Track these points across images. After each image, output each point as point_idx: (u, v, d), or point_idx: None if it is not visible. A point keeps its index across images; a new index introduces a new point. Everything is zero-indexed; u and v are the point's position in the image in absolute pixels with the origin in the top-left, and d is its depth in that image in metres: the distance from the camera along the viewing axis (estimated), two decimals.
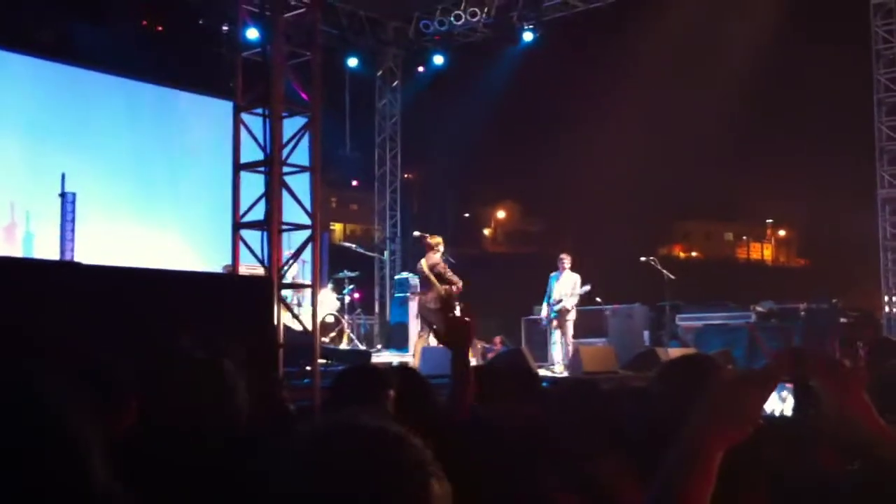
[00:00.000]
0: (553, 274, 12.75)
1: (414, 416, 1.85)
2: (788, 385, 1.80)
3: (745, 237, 53.38)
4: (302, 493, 1.20)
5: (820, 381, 1.64)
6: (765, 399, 1.56)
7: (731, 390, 1.54)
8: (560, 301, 12.48)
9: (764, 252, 53.82)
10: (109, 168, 13.49)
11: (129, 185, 13.73)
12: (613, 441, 2.16)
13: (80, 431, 1.38)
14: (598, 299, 13.34)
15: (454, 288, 11.26)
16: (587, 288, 12.57)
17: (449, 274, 11.34)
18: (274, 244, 7.65)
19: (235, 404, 2.23)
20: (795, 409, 2.22)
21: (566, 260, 12.66)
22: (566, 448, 2.28)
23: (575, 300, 12.53)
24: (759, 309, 13.64)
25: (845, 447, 2.21)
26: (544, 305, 12.73)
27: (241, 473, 1.95)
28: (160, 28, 17.00)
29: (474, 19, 15.88)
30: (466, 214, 38.78)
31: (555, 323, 12.53)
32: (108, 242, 12.43)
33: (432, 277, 11.23)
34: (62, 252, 11.53)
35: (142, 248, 12.80)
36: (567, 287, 12.56)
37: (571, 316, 12.56)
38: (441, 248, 11.50)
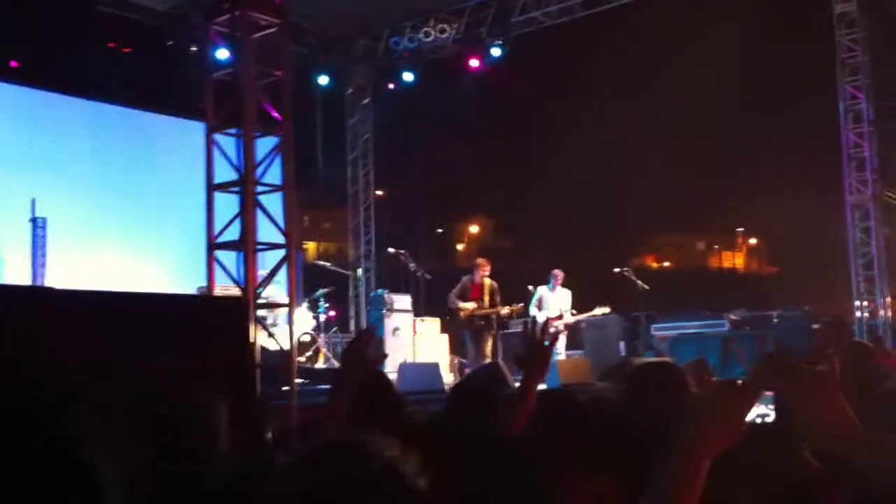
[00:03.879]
0: (543, 287, 13.05)
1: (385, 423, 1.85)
2: (768, 392, 1.83)
3: (716, 246, 53.78)
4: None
5: (789, 388, 1.67)
6: (749, 409, 1.60)
7: (715, 401, 1.58)
8: (561, 317, 12.88)
9: (736, 260, 54.24)
10: (80, 192, 13.39)
11: (99, 209, 13.64)
12: (591, 453, 2.18)
13: (99, 465, 1.33)
14: (573, 311, 13.42)
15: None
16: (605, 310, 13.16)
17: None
18: (249, 264, 7.63)
19: (216, 447, 2.16)
20: (776, 416, 2.26)
21: (560, 275, 12.99)
22: (543, 462, 2.29)
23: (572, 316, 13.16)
24: (732, 317, 13.76)
25: (820, 454, 2.25)
26: (541, 315, 12.86)
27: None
28: (127, 50, 16.92)
29: (443, 36, 15.95)
30: (440, 230, 38.80)
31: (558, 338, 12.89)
32: (79, 267, 12.33)
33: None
34: (34, 277, 11.43)
35: (114, 271, 12.71)
36: (564, 302, 13.02)
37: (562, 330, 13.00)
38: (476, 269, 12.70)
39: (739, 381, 1.64)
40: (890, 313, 14.21)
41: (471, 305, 12.38)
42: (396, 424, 3.37)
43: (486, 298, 12.50)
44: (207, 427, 2.22)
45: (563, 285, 13.20)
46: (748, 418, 1.63)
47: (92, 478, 1.29)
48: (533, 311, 13.07)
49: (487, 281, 12.59)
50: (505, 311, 12.49)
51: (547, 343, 3.33)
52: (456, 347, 13.56)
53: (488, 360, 12.03)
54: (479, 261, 13.11)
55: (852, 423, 1.66)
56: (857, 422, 1.67)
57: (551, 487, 2.04)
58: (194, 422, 2.18)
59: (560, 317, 12.93)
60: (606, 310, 13.29)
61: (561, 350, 12.89)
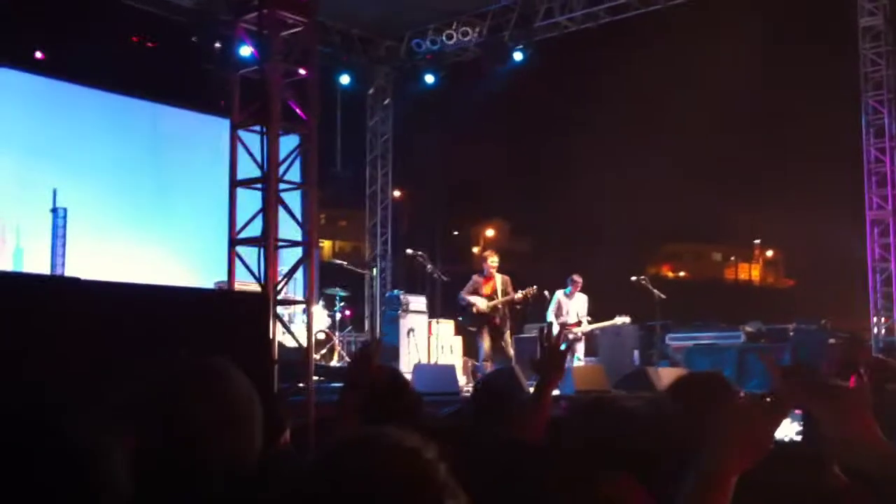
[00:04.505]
0: (560, 293, 12.96)
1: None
2: (797, 411, 1.83)
3: (733, 258, 53.55)
4: None
5: (817, 406, 1.67)
6: (777, 426, 1.60)
7: (744, 417, 1.58)
8: (579, 323, 12.86)
9: (752, 272, 54.00)
10: (101, 183, 13.50)
11: (119, 201, 13.74)
12: (623, 461, 2.18)
13: (108, 463, 1.32)
14: (588, 318, 13.40)
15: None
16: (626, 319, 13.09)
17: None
18: (270, 260, 7.65)
19: (251, 428, 2.10)
20: (804, 434, 2.26)
21: (579, 281, 13.00)
22: (574, 469, 2.29)
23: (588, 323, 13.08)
24: (748, 329, 13.69)
25: (849, 471, 2.24)
26: (555, 322, 12.76)
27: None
28: (151, 45, 17.03)
29: (466, 39, 15.97)
30: (455, 232, 38.77)
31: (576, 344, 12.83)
32: (98, 258, 12.41)
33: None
34: (53, 267, 11.51)
35: (132, 264, 12.78)
36: (580, 308, 12.96)
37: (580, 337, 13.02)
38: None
39: (768, 398, 1.64)
40: None
41: (483, 302, 12.14)
42: (413, 425, 3.37)
43: (500, 293, 12.12)
44: (227, 424, 2.18)
45: (580, 290, 13.14)
46: (779, 435, 1.63)
47: (93, 477, 1.29)
48: (550, 316, 13.00)
49: (499, 276, 12.21)
50: (519, 295, 12.12)
51: (563, 348, 3.33)
52: (470, 349, 13.56)
53: (502, 360, 11.97)
54: (486, 253, 13.01)
55: (880, 439, 1.66)
56: (885, 438, 1.67)
57: (563, 493, 2.04)
58: (207, 419, 2.14)
59: (578, 323, 12.85)
60: (626, 319, 13.18)
61: (581, 356, 12.87)
